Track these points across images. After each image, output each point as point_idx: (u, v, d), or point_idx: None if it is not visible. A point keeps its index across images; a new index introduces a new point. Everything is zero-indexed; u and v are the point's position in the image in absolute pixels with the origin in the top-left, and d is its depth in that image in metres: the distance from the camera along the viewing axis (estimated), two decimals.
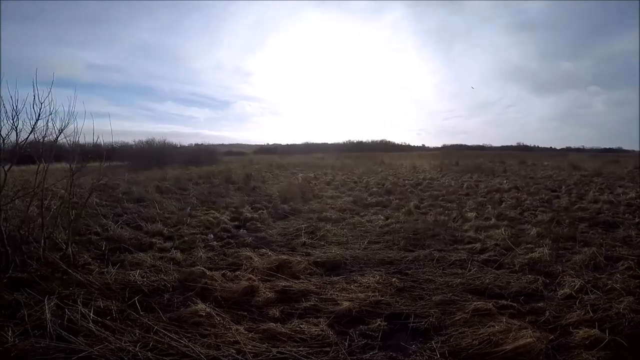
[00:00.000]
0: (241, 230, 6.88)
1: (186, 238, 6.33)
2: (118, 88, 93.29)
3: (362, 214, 8.04)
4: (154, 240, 6.17)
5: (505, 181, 14.22)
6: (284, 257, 4.90)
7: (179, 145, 30.84)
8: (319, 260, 4.92)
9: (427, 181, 14.05)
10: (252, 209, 8.56)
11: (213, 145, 35.52)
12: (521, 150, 64.34)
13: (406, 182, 13.86)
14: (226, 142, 72.35)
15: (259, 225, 6.99)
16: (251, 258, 4.90)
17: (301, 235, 6.17)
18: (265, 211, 8.04)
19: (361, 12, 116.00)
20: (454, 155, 39.16)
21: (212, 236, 6.39)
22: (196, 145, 31.13)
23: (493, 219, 7.27)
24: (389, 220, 7.17)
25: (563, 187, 12.79)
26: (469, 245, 5.79)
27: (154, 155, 27.02)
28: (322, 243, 5.80)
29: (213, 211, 8.67)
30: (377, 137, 79.15)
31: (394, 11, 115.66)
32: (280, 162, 26.09)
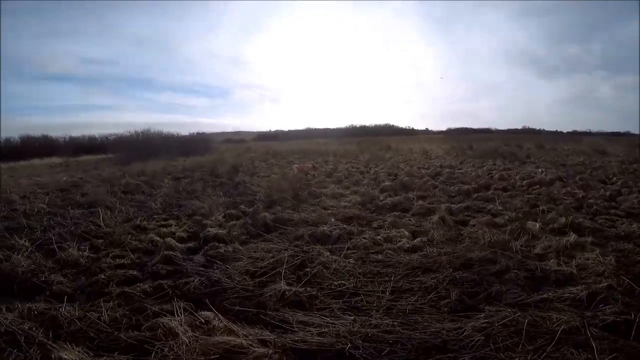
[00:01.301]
0: (194, 258, 4.49)
1: (104, 275, 3.99)
2: (115, 80, 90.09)
3: (375, 224, 5.55)
4: (54, 277, 3.94)
5: (541, 170, 11.60)
6: (236, 339, 2.51)
7: (176, 135, 28.48)
8: (302, 347, 2.50)
9: (446, 170, 11.47)
10: (223, 217, 6.13)
11: (208, 134, 32.97)
12: (528, 133, 61.39)
13: (422, 171, 11.30)
14: (228, 130, 69.93)
15: (223, 250, 4.55)
16: (174, 334, 2.55)
17: (281, 274, 3.73)
18: (238, 223, 5.59)
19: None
20: (464, 139, 36.31)
21: (141, 273, 4.02)
22: (190, 134, 28.60)
23: (572, 234, 4.75)
24: (418, 240, 4.68)
25: (612, 177, 10.23)
26: (563, 290, 3.35)
27: (143, 147, 24.72)
28: (314, 293, 3.36)
29: (172, 221, 6.28)
30: (381, 121, 75.86)
31: None
32: (279, 149, 23.54)
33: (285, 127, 66.10)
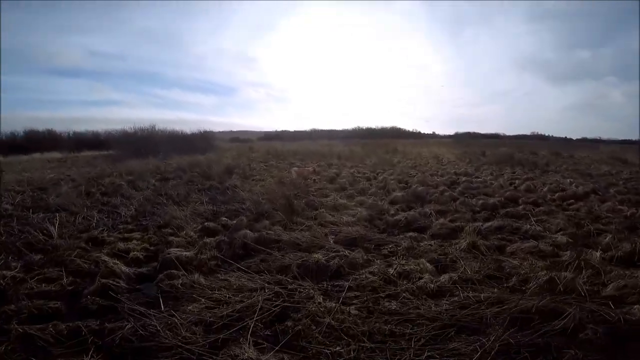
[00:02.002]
0: (143, 290, 3.33)
1: (14, 306, 2.90)
2: (123, 75, 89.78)
3: (386, 249, 4.30)
4: None
5: (569, 181, 10.23)
6: None
7: (180, 133, 27.38)
8: None
9: (463, 178, 10.16)
10: (198, 232, 4.95)
11: (212, 132, 31.79)
12: (537, 139, 59.65)
13: (436, 179, 10.00)
14: (234, 129, 69.14)
15: (181, 282, 3.35)
16: None
17: (248, 330, 2.53)
18: (212, 242, 4.38)
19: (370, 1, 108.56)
20: (473, 144, 34.78)
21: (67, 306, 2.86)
22: (192, 132, 27.45)
23: None
24: (446, 278, 3.42)
25: None
26: None
27: (143, 144, 23.74)
28: None
29: (137, 234, 5.11)
30: (387, 123, 74.33)
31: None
32: (281, 150, 22.36)
33: (291, 127, 64.94)
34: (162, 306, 2.98)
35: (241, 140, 47.90)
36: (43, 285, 3.51)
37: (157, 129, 26.29)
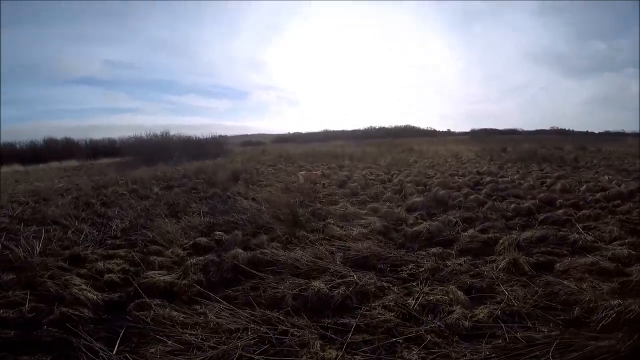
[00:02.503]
0: (108, 323, 2.74)
1: None
2: (138, 83, 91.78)
3: (404, 272, 3.53)
4: None
5: (607, 178, 9.11)
6: None
7: (194, 138, 27.30)
8: None
9: (487, 178, 9.21)
10: (187, 249, 4.33)
11: (225, 137, 31.71)
12: (558, 134, 56.96)
13: (458, 179, 9.10)
14: (248, 133, 69.58)
15: (151, 315, 2.71)
16: None
17: None
18: (200, 262, 3.73)
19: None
20: (492, 140, 33.21)
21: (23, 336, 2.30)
22: (203, 137, 27.26)
23: None
24: (485, 312, 2.64)
25: None
26: None
27: (156, 150, 23.75)
28: None
29: (122, 251, 4.54)
30: (400, 122, 72.77)
31: None
32: (293, 153, 21.76)
33: (303, 129, 64.48)
34: (117, 346, 2.37)
35: (253, 143, 47.83)
36: (2, 311, 3.01)
37: (170, 135, 26.42)
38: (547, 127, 67.04)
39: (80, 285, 3.43)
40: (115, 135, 36.42)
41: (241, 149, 35.47)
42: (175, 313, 2.79)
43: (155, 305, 2.94)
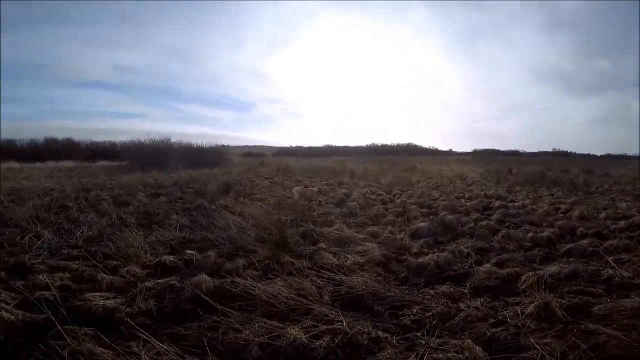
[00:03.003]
0: (21, 346, 2.01)
1: None
2: (144, 89, 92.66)
3: (407, 317, 2.82)
4: None
5: (626, 205, 8.44)
6: None
7: (195, 146, 26.83)
8: None
9: (497, 202, 8.53)
10: (144, 270, 3.64)
11: (225, 147, 31.27)
12: (560, 157, 56.47)
13: (465, 202, 8.43)
14: (251, 144, 69.68)
15: (69, 350, 2.03)
16: None
17: None
18: (157, 286, 3.04)
19: (383, 12, 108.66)
20: (496, 161, 32.62)
21: None
22: (201, 146, 26.81)
23: None
24: None
25: None
26: None
27: (154, 156, 23.25)
28: None
29: (74, 263, 3.84)
30: (402, 140, 72.47)
31: (418, 11, 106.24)
32: (292, 166, 21.17)
33: (305, 143, 64.29)
34: None
35: (254, 155, 47.51)
36: None
37: (171, 141, 26.02)
38: (549, 149, 66.80)
39: (6, 300, 2.79)
40: (119, 139, 36.09)
41: (241, 159, 35.00)
42: (101, 349, 2.12)
43: (82, 334, 2.29)
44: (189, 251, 4.11)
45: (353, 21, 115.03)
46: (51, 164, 28.22)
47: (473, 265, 3.83)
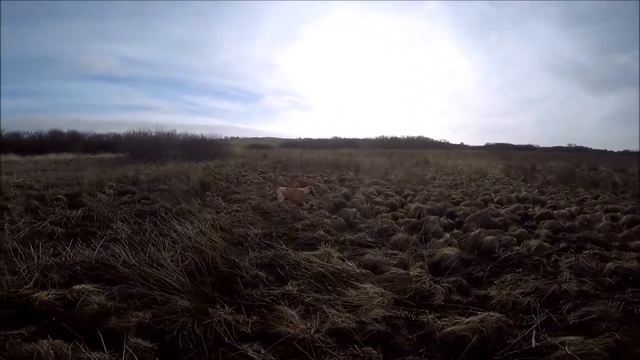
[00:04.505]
0: None
1: None
2: (155, 82, 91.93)
3: None
4: None
5: None
6: None
7: (197, 137, 25.63)
8: None
9: (536, 208, 6.75)
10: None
11: (226, 138, 29.99)
12: (576, 152, 53.47)
13: (494, 207, 6.68)
14: (259, 136, 68.55)
15: None
16: None
17: None
18: None
19: (395, 5, 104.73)
20: (512, 156, 30.27)
21: None
22: (205, 138, 25.50)
23: None
24: None
25: None
26: None
27: (150, 148, 22.05)
28: None
29: None
30: (413, 133, 69.99)
31: (431, 2, 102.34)
32: (295, 159, 19.52)
33: (314, 135, 62.55)
34: None
35: (260, 146, 45.97)
36: None
37: (176, 133, 24.88)
38: (563, 144, 63.86)
39: None
40: (120, 131, 35.20)
41: (244, 151, 33.53)
42: None
43: None
44: (78, 286, 2.53)
45: (364, 14, 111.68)
46: (52, 156, 27.35)
47: (547, 338, 2.13)
